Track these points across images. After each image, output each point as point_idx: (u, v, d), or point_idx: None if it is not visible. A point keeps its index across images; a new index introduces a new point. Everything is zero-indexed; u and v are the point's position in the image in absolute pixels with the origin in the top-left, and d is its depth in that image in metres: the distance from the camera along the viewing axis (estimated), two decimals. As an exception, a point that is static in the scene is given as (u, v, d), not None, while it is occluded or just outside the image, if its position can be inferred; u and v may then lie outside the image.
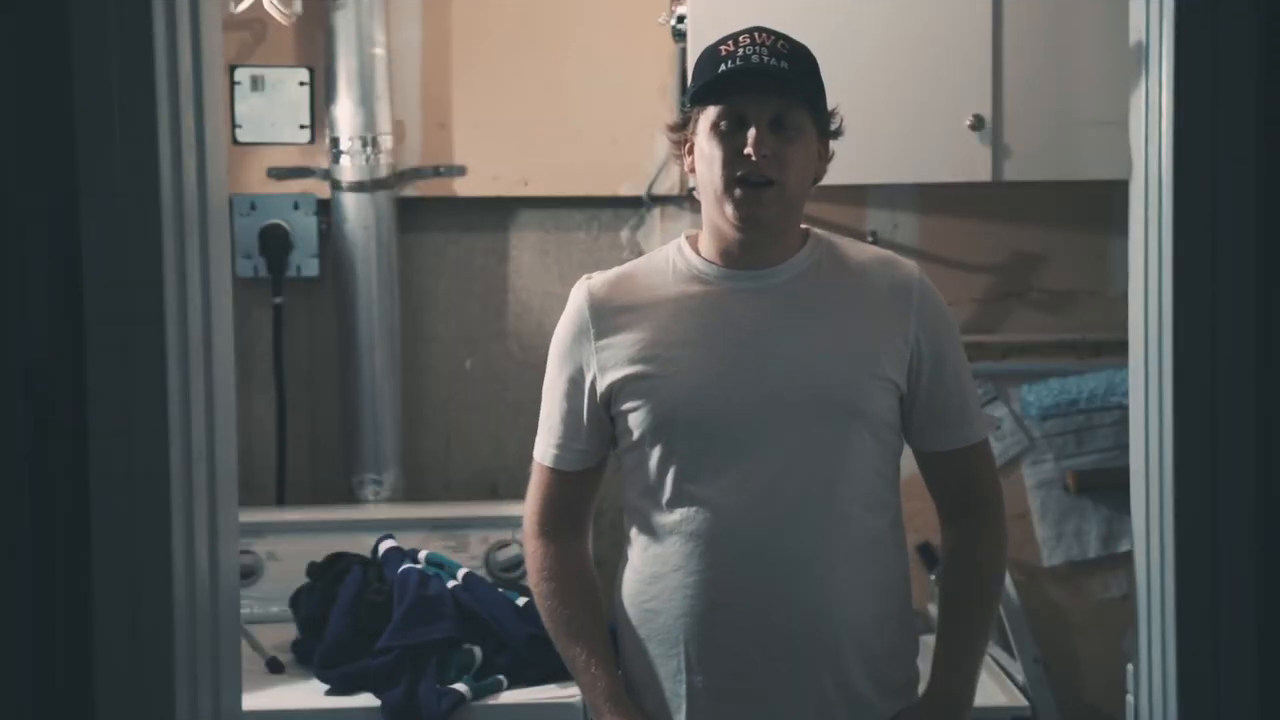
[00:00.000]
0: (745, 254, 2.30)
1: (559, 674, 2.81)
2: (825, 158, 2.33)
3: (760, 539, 2.24)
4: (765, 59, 2.24)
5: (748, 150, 2.22)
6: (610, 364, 2.31)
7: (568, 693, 2.76)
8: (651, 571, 2.30)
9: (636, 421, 2.28)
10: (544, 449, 2.39)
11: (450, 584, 2.96)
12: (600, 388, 2.32)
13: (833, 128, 2.34)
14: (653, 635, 2.30)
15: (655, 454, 2.28)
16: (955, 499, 2.43)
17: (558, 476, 2.39)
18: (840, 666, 2.27)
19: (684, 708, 2.29)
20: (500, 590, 3.04)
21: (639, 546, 2.33)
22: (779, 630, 2.25)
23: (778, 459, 2.24)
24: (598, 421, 2.35)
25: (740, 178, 2.23)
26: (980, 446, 2.41)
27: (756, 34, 2.28)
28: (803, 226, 2.39)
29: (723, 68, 2.25)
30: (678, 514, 2.27)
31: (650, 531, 2.30)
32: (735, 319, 2.29)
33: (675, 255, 2.36)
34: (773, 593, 2.24)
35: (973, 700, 2.38)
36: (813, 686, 2.26)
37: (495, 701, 2.79)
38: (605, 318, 2.34)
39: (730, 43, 2.28)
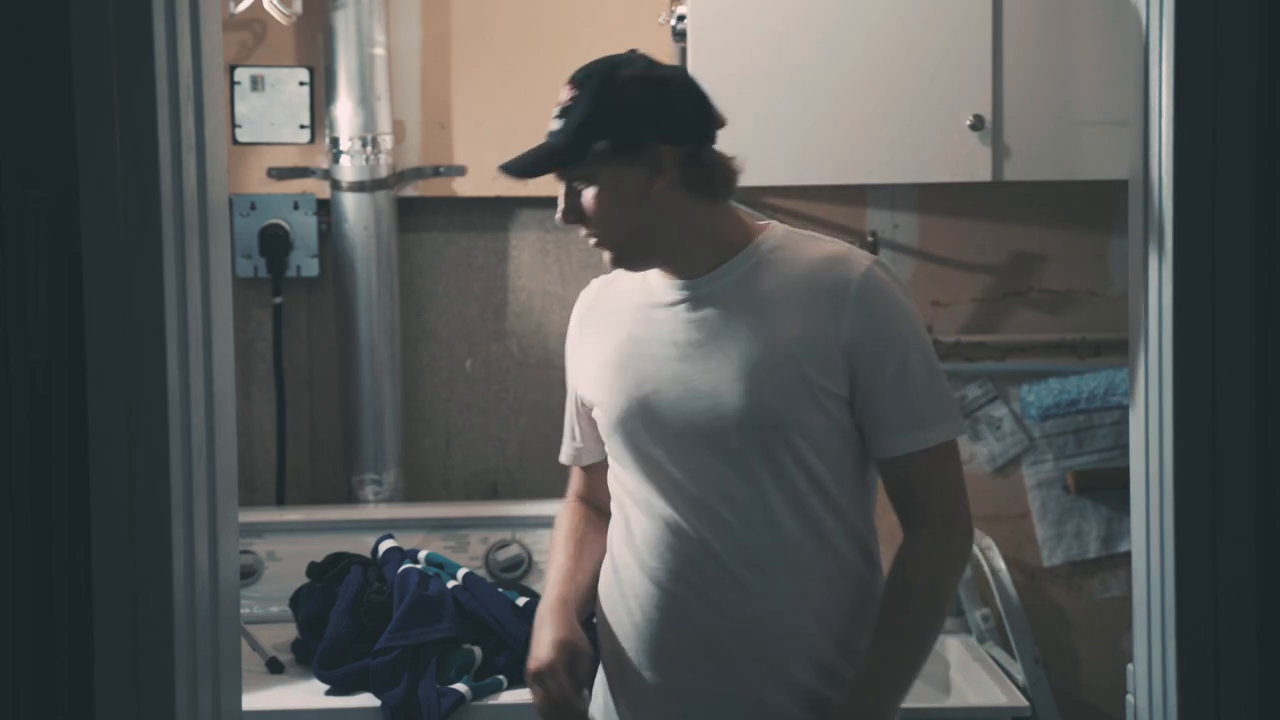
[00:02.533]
0: (668, 271, 2.30)
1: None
2: (667, 168, 2.22)
3: (693, 549, 2.25)
4: (552, 124, 2.27)
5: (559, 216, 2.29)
6: (581, 369, 2.38)
7: (568, 693, 2.76)
8: (612, 568, 2.34)
9: (599, 428, 2.35)
10: (562, 444, 2.49)
11: (450, 584, 2.97)
12: (578, 390, 2.40)
13: (636, 139, 2.23)
14: (612, 630, 2.33)
15: (611, 461, 2.35)
16: (903, 510, 2.28)
17: (576, 470, 2.49)
18: (782, 671, 2.24)
19: (638, 703, 2.31)
20: (500, 590, 3.04)
21: (611, 541, 2.37)
22: (719, 638, 2.24)
23: (706, 471, 2.24)
24: (586, 422, 2.41)
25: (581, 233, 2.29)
26: (926, 454, 2.22)
27: (561, 90, 2.29)
28: (760, 223, 2.33)
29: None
30: (630, 518, 2.31)
31: (616, 528, 2.34)
32: (669, 330, 2.29)
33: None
34: (709, 601, 2.24)
35: None
36: (754, 694, 2.25)
37: (495, 701, 2.79)
38: (587, 323, 2.39)
39: None
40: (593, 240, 2.26)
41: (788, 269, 2.26)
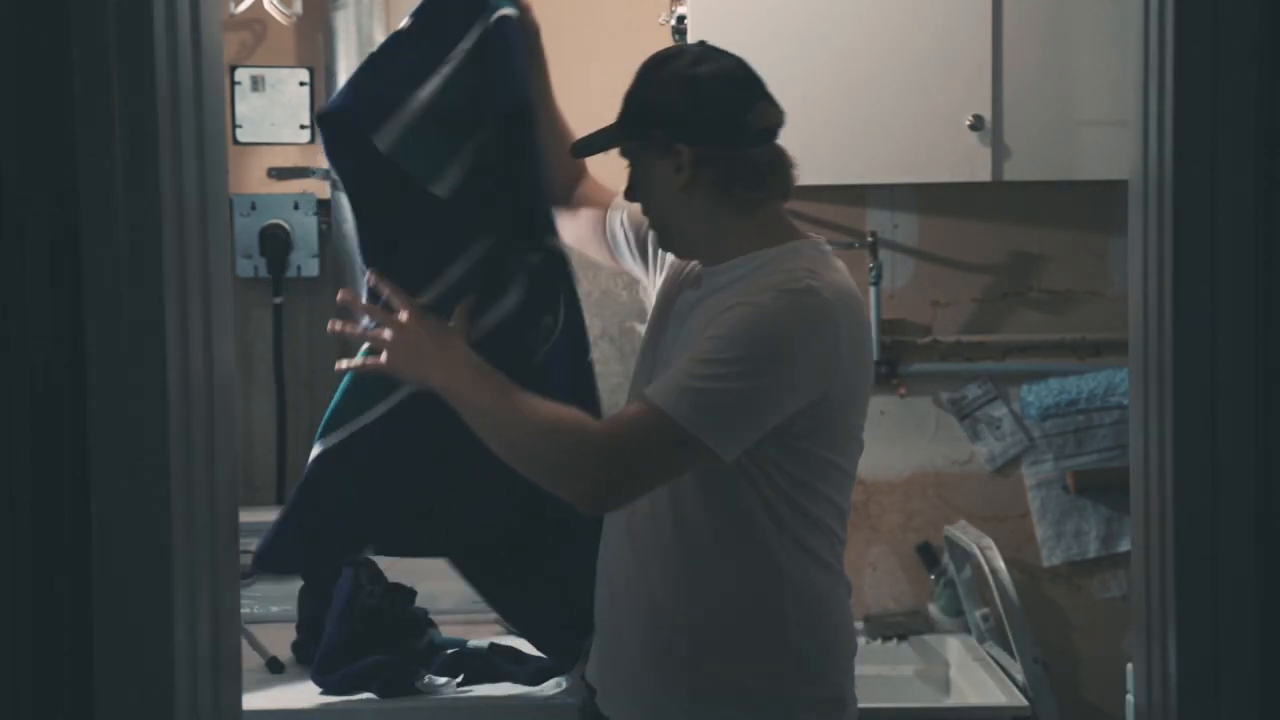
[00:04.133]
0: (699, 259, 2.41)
1: (559, 673, 2.83)
2: (684, 166, 2.29)
3: (616, 535, 2.37)
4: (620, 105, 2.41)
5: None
6: None
7: (567, 692, 2.77)
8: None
9: None
10: None
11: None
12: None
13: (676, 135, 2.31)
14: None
15: None
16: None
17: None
18: (636, 657, 2.33)
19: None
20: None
21: None
22: (617, 620, 2.37)
23: None
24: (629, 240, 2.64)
25: None
26: (635, 407, 2.21)
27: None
28: (795, 235, 2.35)
29: None
30: None
31: None
32: (676, 310, 2.40)
33: None
34: (613, 587, 2.37)
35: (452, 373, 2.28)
36: (631, 675, 2.35)
37: (495, 701, 2.78)
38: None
39: None
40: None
41: (750, 279, 2.27)
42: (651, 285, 2.54)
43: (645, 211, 2.38)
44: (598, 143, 2.39)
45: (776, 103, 2.34)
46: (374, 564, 3.08)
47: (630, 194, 2.39)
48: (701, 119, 2.29)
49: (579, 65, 3.56)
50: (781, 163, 2.34)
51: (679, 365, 2.20)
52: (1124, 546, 3.60)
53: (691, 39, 3.30)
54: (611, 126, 2.38)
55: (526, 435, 2.21)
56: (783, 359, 2.19)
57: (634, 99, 2.36)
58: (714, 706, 2.26)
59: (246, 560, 3.25)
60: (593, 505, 2.24)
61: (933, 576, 3.65)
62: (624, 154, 2.38)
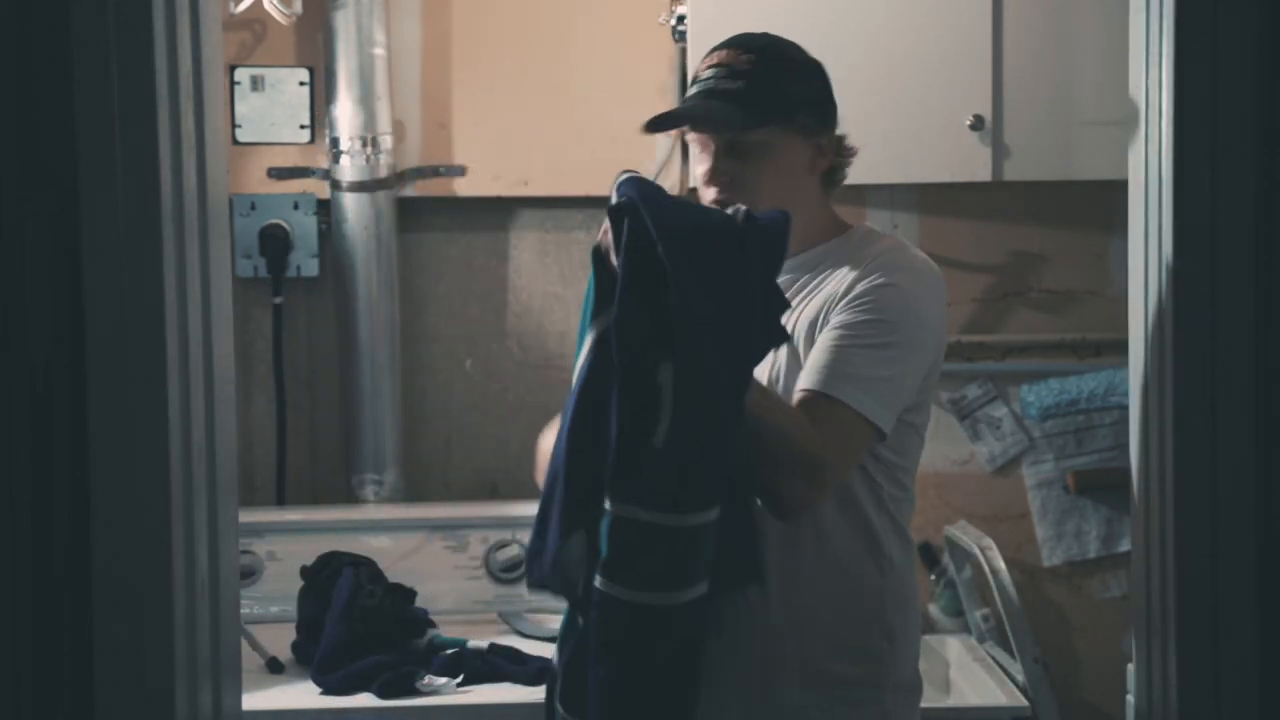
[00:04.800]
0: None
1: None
2: (828, 151, 2.37)
3: None
4: (721, 84, 2.30)
5: (706, 178, 2.33)
6: None
7: (568, 693, 2.76)
8: None
9: None
10: None
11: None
12: None
13: (820, 123, 2.36)
14: None
15: None
16: None
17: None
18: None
19: None
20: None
21: None
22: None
23: None
24: None
25: (714, 199, 2.31)
26: (812, 396, 2.20)
27: (724, 52, 2.35)
28: (851, 225, 2.42)
29: (690, 92, 2.36)
30: None
31: None
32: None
33: None
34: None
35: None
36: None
37: (496, 701, 2.79)
38: None
39: (703, 61, 2.37)
40: (735, 207, 2.24)
41: (839, 263, 2.33)
42: None
43: (755, 198, 2.24)
44: (739, 118, 2.28)
45: None
46: (374, 564, 3.08)
47: (725, 179, 2.28)
48: (833, 107, 2.38)
49: (579, 65, 3.56)
50: (852, 153, 2.45)
51: (842, 354, 2.21)
52: (1124, 546, 3.60)
53: (691, 39, 3.30)
54: (729, 110, 2.28)
55: (767, 430, 2.15)
56: (926, 336, 2.29)
57: (785, 81, 2.32)
58: (820, 686, 2.29)
59: (246, 560, 3.26)
60: (803, 509, 2.21)
61: (933, 577, 3.65)
62: (742, 138, 2.28)
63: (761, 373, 2.25)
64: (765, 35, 2.39)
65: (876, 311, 2.25)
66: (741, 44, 2.35)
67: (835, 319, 2.26)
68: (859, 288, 2.27)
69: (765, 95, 2.30)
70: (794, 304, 2.32)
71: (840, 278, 2.31)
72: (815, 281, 2.35)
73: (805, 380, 2.24)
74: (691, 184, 3.45)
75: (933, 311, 2.33)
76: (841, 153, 2.40)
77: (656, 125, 2.33)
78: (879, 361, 2.23)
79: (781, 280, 2.26)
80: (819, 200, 2.39)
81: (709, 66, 2.34)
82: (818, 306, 2.31)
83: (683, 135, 2.44)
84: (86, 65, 1.79)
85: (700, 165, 2.35)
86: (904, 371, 2.26)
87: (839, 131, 2.41)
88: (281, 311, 3.58)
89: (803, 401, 2.22)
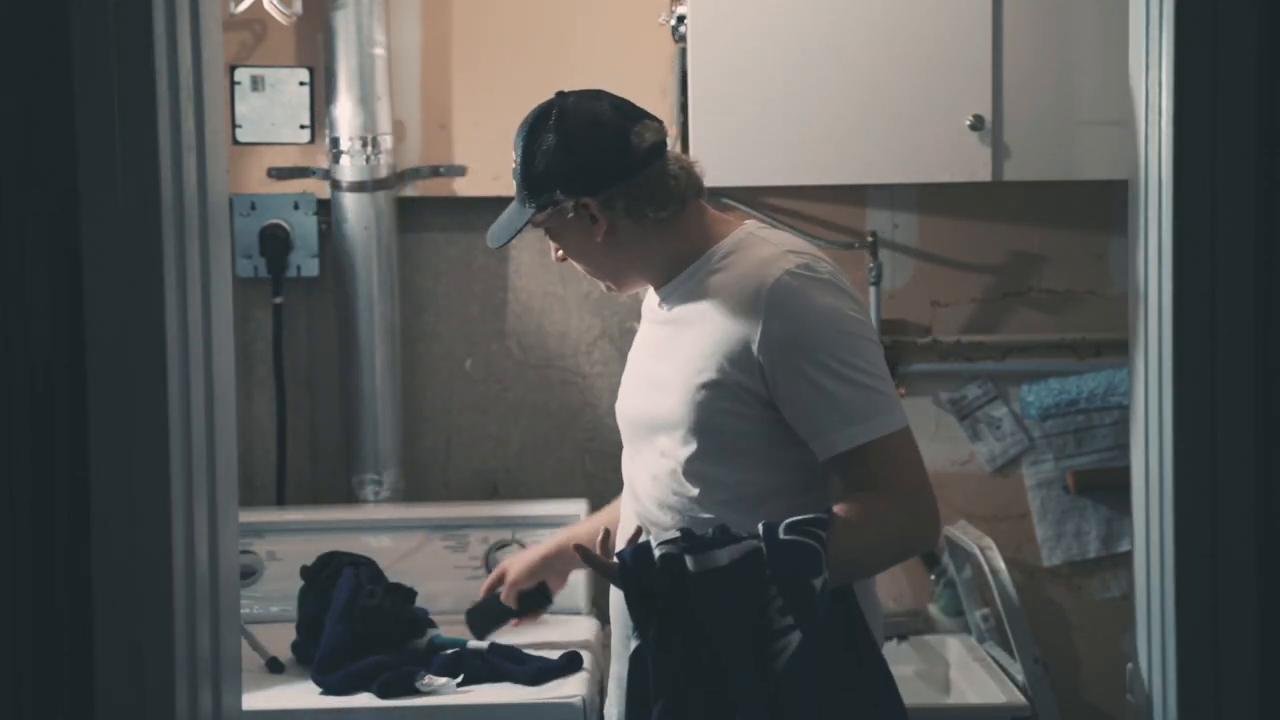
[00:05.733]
0: (651, 284, 2.48)
1: (560, 674, 2.83)
2: (600, 212, 2.36)
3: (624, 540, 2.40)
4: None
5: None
6: None
7: (567, 692, 2.77)
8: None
9: None
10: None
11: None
12: None
13: (551, 197, 2.38)
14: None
15: None
16: None
17: None
18: None
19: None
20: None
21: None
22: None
23: (645, 466, 2.42)
24: None
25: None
26: (858, 453, 2.24)
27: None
28: (732, 223, 2.42)
29: None
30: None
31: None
32: (646, 335, 2.51)
33: None
34: None
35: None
36: None
37: (495, 702, 2.78)
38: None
39: None
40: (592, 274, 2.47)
41: (725, 276, 2.35)
42: None
43: (583, 267, 2.45)
44: (511, 226, 2.44)
45: (652, 117, 2.40)
46: (374, 564, 3.08)
47: (561, 256, 2.45)
48: (589, 168, 2.35)
49: (579, 65, 3.56)
50: (680, 168, 2.39)
51: (830, 392, 2.23)
52: (1124, 546, 3.60)
53: (692, 39, 3.30)
54: (514, 208, 2.43)
55: (880, 556, 2.31)
56: (844, 307, 2.29)
57: (525, 175, 2.39)
58: None
59: (246, 560, 3.26)
60: (939, 538, 2.43)
61: (933, 576, 3.65)
62: (538, 226, 2.42)
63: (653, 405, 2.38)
64: (530, 116, 2.43)
65: (814, 347, 2.24)
66: (517, 137, 2.43)
67: (782, 375, 2.25)
68: (779, 333, 2.25)
69: (524, 189, 2.40)
70: (666, 344, 2.40)
71: (728, 318, 2.30)
72: (690, 308, 2.37)
73: (822, 448, 2.26)
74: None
75: (825, 288, 2.28)
76: (624, 200, 2.35)
77: (491, 243, 2.51)
78: (853, 380, 2.24)
79: (659, 312, 2.42)
80: (640, 244, 2.38)
81: None
82: (709, 348, 2.31)
83: (680, 135, 2.51)
84: (86, 65, 1.79)
85: None
86: (872, 358, 2.27)
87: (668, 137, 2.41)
88: (281, 311, 3.57)
89: (842, 468, 2.26)
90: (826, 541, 2.17)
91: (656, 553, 2.18)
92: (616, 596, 2.41)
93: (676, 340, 2.38)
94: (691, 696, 2.17)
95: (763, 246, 2.35)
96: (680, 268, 2.39)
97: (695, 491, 2.33)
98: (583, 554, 2.25)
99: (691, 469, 2.33)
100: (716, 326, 2.31)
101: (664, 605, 2.17)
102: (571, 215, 2.37)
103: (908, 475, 2.26)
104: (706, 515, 2.30)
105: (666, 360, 2.38)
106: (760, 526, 2.19)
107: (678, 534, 2.20)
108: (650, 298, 2.50)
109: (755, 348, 2.26)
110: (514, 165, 2.42)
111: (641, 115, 2.39)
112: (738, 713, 2.15)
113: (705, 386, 2.30)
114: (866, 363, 2.26)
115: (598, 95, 2.40)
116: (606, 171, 2.35)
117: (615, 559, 2.22)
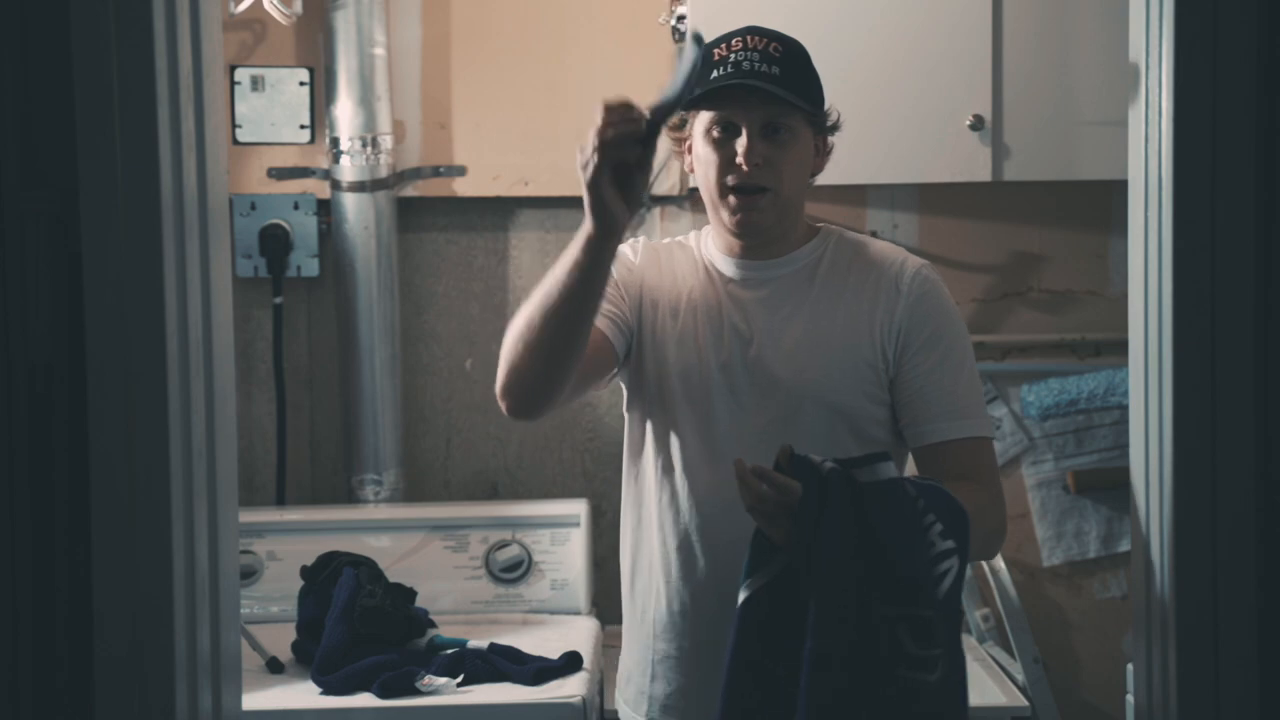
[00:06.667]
0: (748, 250, 2.41)
1: (560, 674, 2.83)
2: (823, 153, 2.41)
3: (718, 515, 2.33)
4: (756, 65, 2.29)
5: (739, 160, 2.30)
6: (647, 312, 2.43)
7: (567, 692, 2.77)
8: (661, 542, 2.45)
9: (647, 381, 2.40)
10: None
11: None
12: (642, 312, 2.42)
13: (830, 123, 2.41)
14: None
15: (659, 420, 2.40)
16: None
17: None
18: None
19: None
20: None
21: (653, 517, 2.41)
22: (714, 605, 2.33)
23: (746, 436, 2.33)
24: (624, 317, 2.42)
25: (734, 186, 2.32)
26: (965, 445, 2.33)
27: (749, 37, 2.33)
28: (817, 224, 2.47)
29: (715, 74, 2.31)
30: (677, 488, 2.38)
31: (661, 505, 2.40)
32: (734, 311, 2.38)
33: (695, 244, 2.49)
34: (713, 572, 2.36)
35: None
36: None
37: (495, 702, 2.79)
38: (648, 272, 2.45)
39: (724, 46, 2.34)
40: (758, 198, 2.32)
41: (853, 259, 2.40)
42: (634, 326, 2.44)
43: (779, 183, 2.32)
44: (792, 101, 2.30)
45: None
46: (374, 564, 3.08)
47: (758, 160, 2.30)
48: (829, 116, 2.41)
49: (579, 65, 3.56)
50: None
51: (959, 377, 2.33)
52: (1124, 546, 3.60)
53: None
54: (794, 88, 2.31)
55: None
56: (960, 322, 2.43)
57: (807, 78, 2.36)
58: None
59: (246, 560, 3.26)
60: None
61: (933, 576, 3.66)
62: (781, 128, 2.31)
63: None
64: (792, 38, 2.40)
65: (947, 335, 2.35)
66: (764, 33, 2.35)
67: (916, 355, 2.34)
68: (920, 312, 2.35)
69: (799, 83, 2.33)
70: (792, 310, 2.37)
71: (870, 295, 2.36)
72: (819, 289, 2.39)
73: (929, 434, 2.32)
74: (691, 184, 3.45)
75: (947, 291, 2.43)
76: (825, 156, 2.44)
77: (704, 98, 2.30)
78: (972, 378, 2.37)
79: (774, 280, 2.37)
80: (801, 203, 2.43)
81: (738, 50, 2.32)
82: (853, 322, 2.35)
83: (682, 121, 2.41)
84: (86, 65, 1.79)
85: (717, 152, 2.32)
86: (975, 369, 2.40)
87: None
88: (281, 311, 3.58)
89: (943, 457, 2.32)
90: None
91: (825, 466, 2.08)
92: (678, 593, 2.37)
93: (798, 307, 2.37)
94: (878, 614, 2.05)
95: (877, 242, 2.46)
96: (793, 246, 2.41)
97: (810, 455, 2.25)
98: (744, 471, 2.07)
99: (805, 432, 2.30)
100: (851, 301, 2.36)
101: (837, 520, 2.05)
102: (810, 138, 2.37)
103: (999, 478, 2.39)
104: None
105: (795, 322, 2.36)
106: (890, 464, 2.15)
107: (828, 460, 2.11)
108: (712, 261, 2.42)
109: (894, 327, 2.34)
110: (776, 53, 2.31)
111: None
112: (932, 630, 2.05)
113: (847, 365, 2.33)
114: (975, 368, 2.39)
115: None
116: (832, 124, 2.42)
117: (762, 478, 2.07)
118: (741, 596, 2.11)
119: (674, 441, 2.38)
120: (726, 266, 2.42)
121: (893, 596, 2.05)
